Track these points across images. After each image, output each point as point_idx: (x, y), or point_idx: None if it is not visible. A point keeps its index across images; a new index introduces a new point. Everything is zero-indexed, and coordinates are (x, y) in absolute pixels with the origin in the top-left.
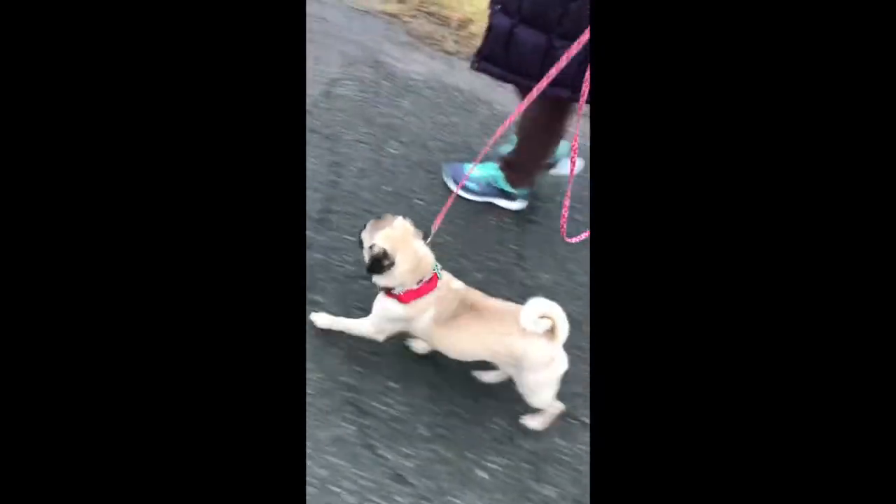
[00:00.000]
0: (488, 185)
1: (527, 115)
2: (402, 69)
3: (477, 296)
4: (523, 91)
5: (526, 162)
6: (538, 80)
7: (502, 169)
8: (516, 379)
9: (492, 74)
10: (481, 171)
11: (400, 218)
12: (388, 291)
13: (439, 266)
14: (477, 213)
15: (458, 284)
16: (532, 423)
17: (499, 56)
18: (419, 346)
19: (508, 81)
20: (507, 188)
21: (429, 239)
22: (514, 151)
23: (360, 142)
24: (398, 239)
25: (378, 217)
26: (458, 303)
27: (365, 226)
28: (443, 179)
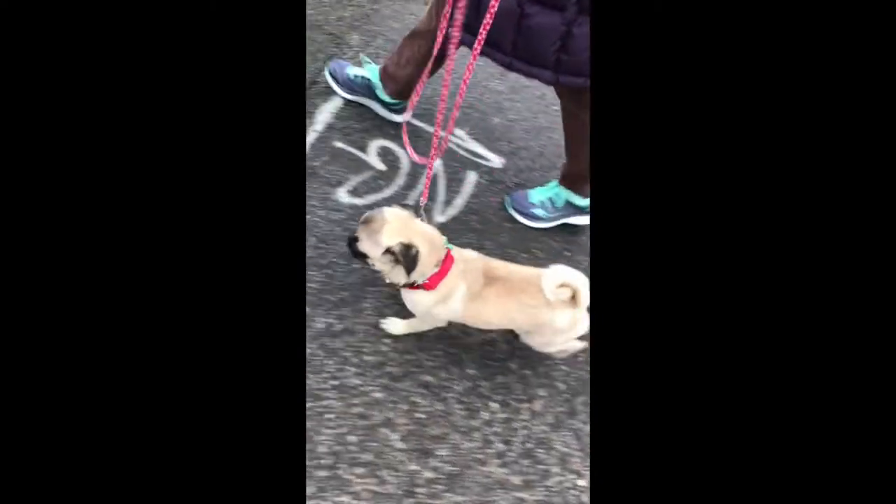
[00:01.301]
0: (554, 205)
1: (571, 121)
2: None
3: (497, 263)
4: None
5: (584, 168)
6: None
7: (563, 183)
8: (524, 337)
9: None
10: (542, 194)
11: (387, 209)
12: (411, 286)
13: (447, 239)
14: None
15: (471, 254)
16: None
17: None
18: (392, 326)
19: (497, 60)
20: (578, 201)
21: (422, 216)
22: (569, 162)
23: None
24: (405, 229)
25: (362, 221)
26: (482, 273)
27: (355, 237)
28: (508, 211)
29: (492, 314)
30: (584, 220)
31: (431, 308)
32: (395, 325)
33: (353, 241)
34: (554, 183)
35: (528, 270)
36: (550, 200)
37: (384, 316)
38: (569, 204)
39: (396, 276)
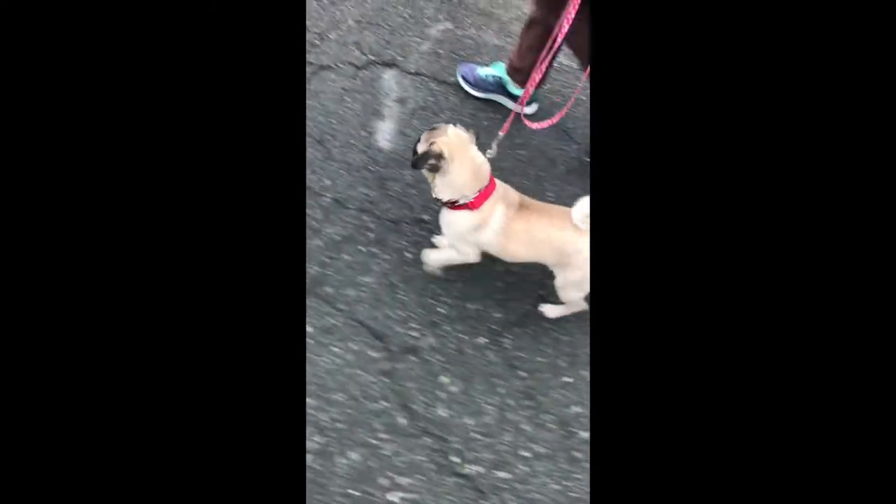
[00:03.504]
0: (495, 83)
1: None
2: None
3: (531, 199)
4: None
5: (525, 65)
6: None
7: (509, 72)
8: (558, 275)
9: None
10: (490, 71)
11: (452, 126)
12: (454, 205)
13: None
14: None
15: (508, 186)
16: (551, 312)
17: None
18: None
19: None
20: (512, 89)
21: (492, 149)
22: (522, 58)
23: None
24: (455, 146)
25: (433, 127)
26: (517, 204)
27: (419, 138)
28: (457, 80)
29: (521, 242)
30: (510, 104)
31: (468, 233)
32: (430, 255)
33: (415, 143)
34: (501, 65)
35: (559, 207)
36: (493, 77)
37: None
38: (505, 88)
39: (440, 191)
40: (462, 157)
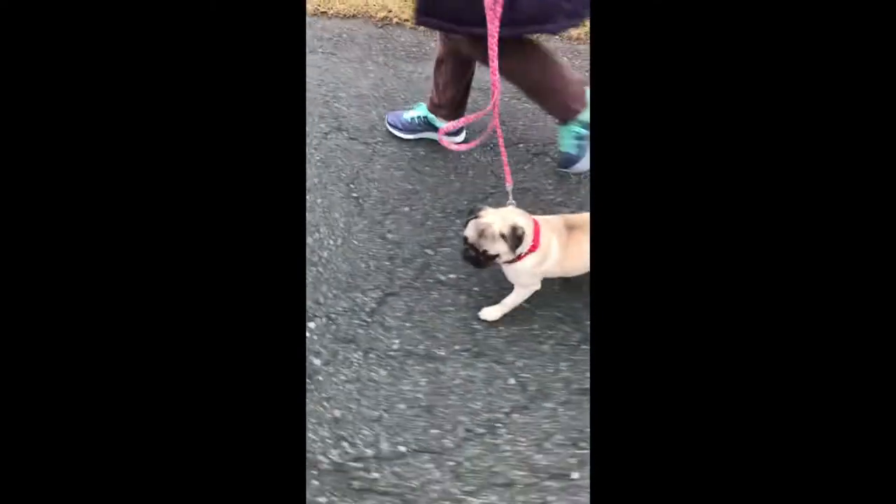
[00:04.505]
0: (422, 123)
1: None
2: None
3: (572, 216)
4: (468, 38)
5: (446, 101)
6: (471, 24)
7: (431, 111)
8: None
9: (431, 26)
10: (414, 112)
11: (481, 215)
12: (519, 257)
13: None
14: None
15: (545, 216)
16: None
17: (431, 7)
18: (489, 315)
19: (446, 31)
20: (438, 123)
21: (511, 202)
22: (442, 94)
23: None
24: (515, 217)
25: (479, 235)
26: (563, 225)
27: (479, 252)
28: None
29: (577, 257)
30: (434, 135)
31: (536, 269)
32: (490, 313)
33: (475, 256)
34: (423, 106)
35: None
36: (419, 118)
37: None
38: (432, 124)
39: (517, 251)
40: (517, 219)
